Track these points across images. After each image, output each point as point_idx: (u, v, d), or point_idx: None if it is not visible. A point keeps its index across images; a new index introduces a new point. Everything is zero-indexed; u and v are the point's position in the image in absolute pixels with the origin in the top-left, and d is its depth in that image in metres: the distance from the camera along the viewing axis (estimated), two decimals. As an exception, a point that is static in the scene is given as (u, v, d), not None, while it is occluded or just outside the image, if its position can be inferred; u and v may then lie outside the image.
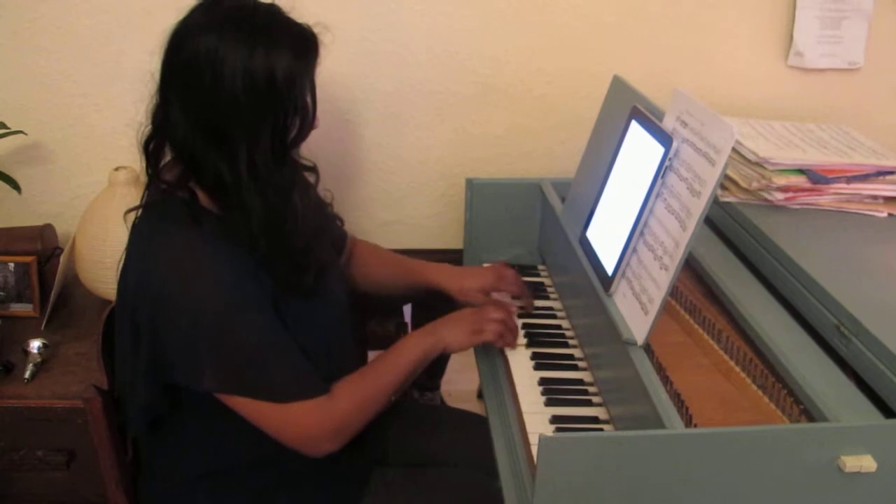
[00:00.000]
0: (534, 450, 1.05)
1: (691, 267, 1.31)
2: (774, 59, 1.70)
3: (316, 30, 1.10)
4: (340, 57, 1.57)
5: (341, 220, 1.41)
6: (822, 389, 0.98)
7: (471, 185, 1.59)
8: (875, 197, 1.41)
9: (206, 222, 1.07)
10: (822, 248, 1.25)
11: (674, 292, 1.28)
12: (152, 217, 1.12)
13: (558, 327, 1.39)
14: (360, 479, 1.30)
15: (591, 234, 1.27)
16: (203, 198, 1.10)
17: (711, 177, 0.98)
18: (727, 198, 1.42)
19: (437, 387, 2.00)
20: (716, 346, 1.16)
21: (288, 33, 1.06)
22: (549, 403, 1.19)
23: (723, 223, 1.42)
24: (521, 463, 1.09)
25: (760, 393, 1.06)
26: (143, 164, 1.12)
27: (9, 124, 1.54)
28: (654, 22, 1.65)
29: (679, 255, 1.01)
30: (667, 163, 1.09)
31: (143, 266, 1.07)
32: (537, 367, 1.28)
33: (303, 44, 1.08)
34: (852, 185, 1.40)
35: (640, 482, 0.88)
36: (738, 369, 1.11)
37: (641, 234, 1.12)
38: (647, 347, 1.08)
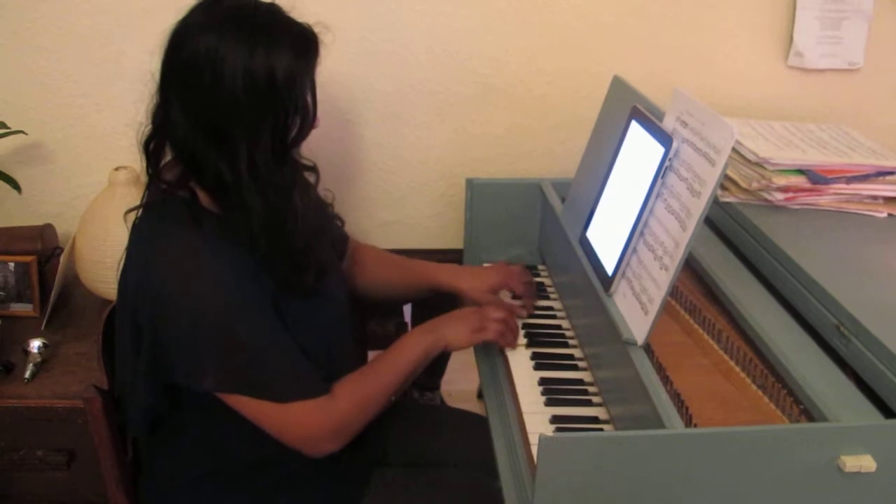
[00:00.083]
0: (534, 450, 1.05)
1: (691, 267, 1.31)
2: (774, 60, 1.70)
3: (316, 29, 1.10)
4: (340, 57, 1.57)
5: (342, 221, 1.41)
6: (822, 389, 0.98)
7: (471, 185, 1.59)
8: (875, 197, 1.41)
9: (206, 222, 1.07)
10: (821, 249, 1.25)
11: (674, 292, 1.28)
12: (152, 217, 1.12)
13: (558, 327, 1.39)
14: (360, 479, 1.30)
15: (591, 234, 1.27)
16: (203, 198, 1.10)
17: (711, 177, 0.98)
18: (727, 198, 1.42)
19: (437, 387, 2.00)
20: (716, 346, 1.16)
21: (288, 33, 1.06)
22: (549, 403, 1.19)
23: (723, 223, 1.42)
24: (521, 463, 1.09)
25: (760, 393, 1.06)
26: (144, 164, 1.12)
27: (9, 124, 1.54)
28: (654, 22, 1.65)
29: (679, 255, 1.01)
30: (667, 163, 1.09)
31: (143, 266, 1.07)
32: (537, 367, 1.28)
33: (303, 43, 1.08)
34: (852, 186, 1.40)
35: (640, 482, 0.88)
36: (738, 369, 1.11)
37: (641, 234, 1.12)
38: (647, 347, 1.08)
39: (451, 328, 1.24)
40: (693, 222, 1.00)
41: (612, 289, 1.15)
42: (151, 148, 1.10)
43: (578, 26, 1.64)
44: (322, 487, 1.23)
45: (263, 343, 1.07)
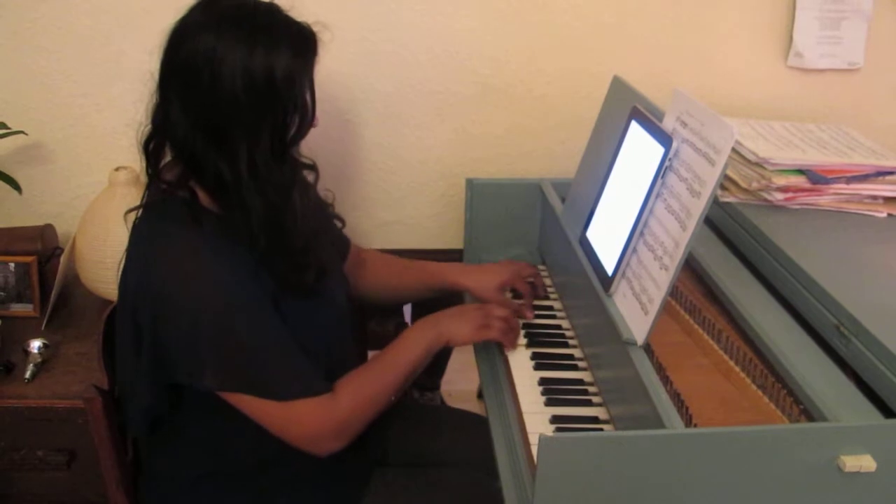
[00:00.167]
0: (534, 450, 1.05)
1: (691, 267, 1.31)
2: (774, 60, 1.70)
3: (315, 28, 1.10)
4: (340, 57, 1.58)
5: (343, 221, 1.41)
6: (822, 389, 0.98)
7: (471, 185, 1.59)
8: (875, 197, 1.41)
9: (206, 222, 1.07)
10: (821, 249, 1.25)
11: (674, 292, 1.28)
12: (152, 217, 1.12)
13: (558, 327, 1.39)
14: (360, 479, 1.30)
15: (591, 234, 1.28)
16: (203, 197, 1.10)
17: (711, 177, 0.98)
18: (727, 198, 1.42)
19: (437, 387, 2.00)
20: (716, 346, 1.16)
21: (287, 32, 1.06)
22: (549, 403, 1.19)
23: (723, 223, 1.42)
24: (521, 463, 1.09)
25: (760, 393, 1.06)
26: (144, 164, 1.12)
27: (9, 124, 1.54)
28: (654, 22, 1.65)
29: (679, 255, 1.01)
30: (667, 163, 1.09)
31: (143, 266, 1.07)
32: (537, 367, 1.28)
33: (302, 42, 1.08)
34: (852, 186, 1.40)
35: (640, 482, 0.88)
36: (738, 369, 1.11)
37: (641, 234, 1.12)
38: (647, 347, 1.08)
39: (453, 324, 1.24)
40: (693, 222, 1.00)
41: (612, 289, 1.15)
42: (151, 148, 1.10)
43: (578, 26, 1.64)
44: (322, 487, 1.23)
45: (264, 342, 1.07)
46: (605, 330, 1.14)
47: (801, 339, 1.10)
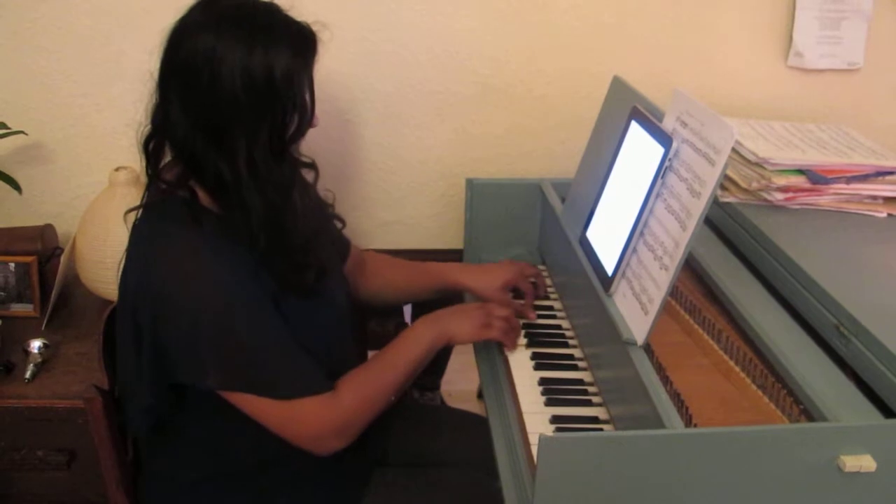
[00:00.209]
0: (534, 450, 1.05)
1: (691, 267, 1.31)
2: (774, 60, 1.70)
3: (314, 28, 1.10)
4: (340, 57, 1.58)
5: (343, 222, 1.41)
6: (822, 389, 0.98)
7: (471, 185, 1.59)
8: (874, 197, 1.41)
9: (206, 221, 1.07)
10: (821, 249, 1.25)
11: (674, 292, 1.28)
12: (152, 217, 1.12)
13: (558, 327, 1.39)
14: (360, 479, 1.30)
15: (591, 234, 1.28)
16: (203, 197, 1.10)
17: (711, 177, 0.98)
18: (727, 198, 1.42)
19: (437, 387, 2.00)
20: (716, 346, 1.16)
21: (287, 31, 1.06)
22: (549, 403, 1.19)
23: (723, 223, 1.42)
24: (521, 463, 1.09)
25: (760, 393, 1.06)
26: (144, 164, 1.12)
27: (9, 124, 1.54)
28: (654, 22, 1.65)
29: (679, 255, 1.01)
30: (667, 163, 1.09)
31: (143, 266, 1.07)
32: (537, 367, 1.28)
33: (301, 41, 1.07)
34: (852, 186, 1.40)
35: (640, 482, 0.88)
36: (738, 369, 1.11)
37: (641, 234, 1.12)
38: (647, 347, 1.08)
39: (455, 322, 1.24)
40: (693, 222, 1.00)
41: (612, 289, 1.15)
42: (151, 148, 1.10)
43: (578, 26, 1.64)
44: (322, 487, 1.23)
45: (264, 341, 1.07)
46: (605, 330, 1.14)
47: (800, 339, 1.10)
